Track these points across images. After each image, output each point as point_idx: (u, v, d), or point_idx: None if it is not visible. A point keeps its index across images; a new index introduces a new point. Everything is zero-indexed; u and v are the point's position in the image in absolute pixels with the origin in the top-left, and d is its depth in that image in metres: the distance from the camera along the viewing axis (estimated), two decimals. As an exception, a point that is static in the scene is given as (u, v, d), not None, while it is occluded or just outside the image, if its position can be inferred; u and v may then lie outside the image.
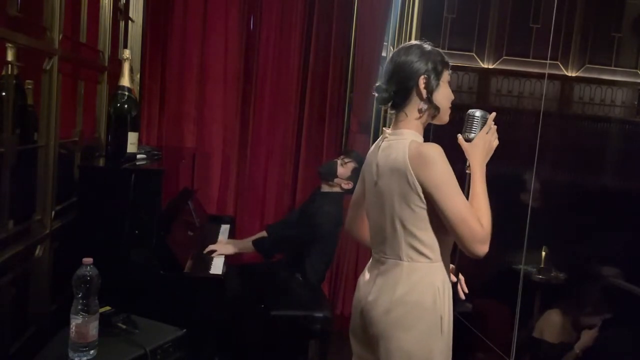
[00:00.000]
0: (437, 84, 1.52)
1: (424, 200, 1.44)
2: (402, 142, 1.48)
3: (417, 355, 1.46)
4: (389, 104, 1.58)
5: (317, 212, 2.72)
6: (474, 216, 1.39)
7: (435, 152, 1.41)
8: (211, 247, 2.63)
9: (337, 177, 2.80)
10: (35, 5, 1.85)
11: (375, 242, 1.61)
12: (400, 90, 1.53)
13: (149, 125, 3.45)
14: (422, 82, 1.50)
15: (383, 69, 3.61)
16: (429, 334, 1.47)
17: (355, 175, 2.76)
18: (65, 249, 2.09)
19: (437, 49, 1.57)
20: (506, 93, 2.88)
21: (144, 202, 2.10)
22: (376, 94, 1.58)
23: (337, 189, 2.80)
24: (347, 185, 2.79)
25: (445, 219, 1.41)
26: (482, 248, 1.39)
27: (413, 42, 1.59)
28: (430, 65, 1.51)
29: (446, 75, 1.55)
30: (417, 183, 1.42)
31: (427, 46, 1.55)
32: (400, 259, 1.50)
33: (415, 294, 1.47)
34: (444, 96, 1.54)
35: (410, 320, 1.47)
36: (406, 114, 1.54)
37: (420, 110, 1.53)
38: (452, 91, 1.59)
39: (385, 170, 1.51)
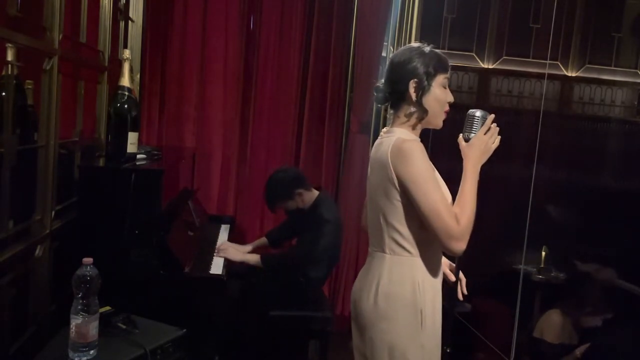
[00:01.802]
0: (429, 88, 1.53)
1: (401, 195, 1.47)
2: (390, 139, 1.51)
3: (397, 346, 1.49)
4: (387, 104, 1.62)
5: (315, 226, 2.67)
6: (450, 212, 1.41)
7: (413, 148, 1.44)
8: (223, 250, 2.59)
9: (303, 204, 2.74)
10: (35, 5, 1.85)
11: (370, 235, 1.65)
12: (394, 91, 1.57)
13: (149, 125, 3.45)
14: (412, 84, 1.52)
15: (384, 69, 3.63)
16: (408, 326, 1.50)
17: (295, 183, 2.73)
18: (65, 249, 2.09)
19: (437, 51, 1.57)
20: (506, 93, 2.88)
21: (144, 202, 2.10)
22: (375, 93, 1.62)
23: (315, 192, 2.78)
24: (309, 191, 2.75)
25: (421, 213, 1.43)
26: (457, 245, 1.41)
27: (414, 44, 1.60)
28: (422, 69, 1.52)
29: (440, 78, 1.55)
30: (395, 177, 1.46)
31: (427, 48, 1.56)
32: (384, 252, 1.54)
33: (395, 286, 1.51)
34: (435, 100, 1.54)
35: (391, 312, 1.51)
36: (398, 115, 1.58)
37: (408, 114, 1.56)
38: (452, 91, 1.59)
39: (373, 166, 1.57)
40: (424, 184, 1.42)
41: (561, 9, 2.34)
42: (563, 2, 2.34)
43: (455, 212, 1.42)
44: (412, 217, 1.48)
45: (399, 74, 1.54)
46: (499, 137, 1.54)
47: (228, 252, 2.60)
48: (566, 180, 2.36)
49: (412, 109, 1.55)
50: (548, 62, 2.40)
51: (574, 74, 2.41)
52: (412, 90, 1.52)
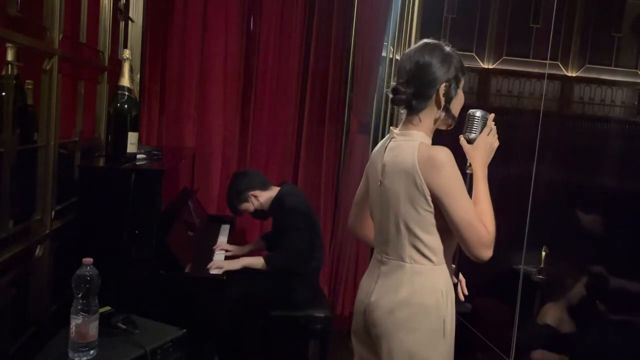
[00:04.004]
0: (456, 92, 1.50)
1: (431, 204, 1.42)
2: (411, 144, 1.46)
3: (418, 356, 1.46)
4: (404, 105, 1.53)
5: (284, 223, 2.69)
6: (480, 221, 1.39)
7: (445, 157, 1.40)
8: (219, 268, 2.44)
9: (260, 205, 2.79)
10: (35, 5, 1.85)
11: (377, 242, 1.60)
12: (419, 94, 1.49)
13: (149, 125, 3.45)
14: (442, 89, 1.47)
15: (390, 68, 3.64)
16: (431, 336, 1.47)
17: (252, 183, 2.80)
18: (65, 249, 2.09)
19: (456, 52, 1.53)
20: (506, 93, 2.88)
21: (144, 202, 2.09)
22: (391, 95, 1.53)
23: (274, 190, 2.81)
24: (266, 190, 2.79)
25: (452, 223, 1.40)
26: (487, 252, 1.39)
27: (433, 41, 1.52)
28: (452, 73, 1.48)
29: (462, 81, 1.53)
30: (426, 186, 1.41)
31: (447, 48, 1.50)
32: (403, 260, 1.49)
33: (418, 296, 1.47)
34: (459, 104, 1.53)
35: (413, 322, 1.47)
36: (420, 118, 1.51)
37: (437, 119, 1.50)
38: None
39: (391, 171, 1.50)
40: (456, 194, 1.39)
41: (561, 9, 2.34)
42: (563, 2, 2.34)
43: (482, 219, 1.40)
44: (439, 225, 1.44)
45: (428, 77, 1.47)
46: (497, 135, 1.53)
47: (226, 266, 2.47)
48: (566, 180, 2.36)
49: (441, 114, 1.49)
50: (548, 62, 2.40)
51: (574, 74, 2.41)
52: (441, 94, 1.47)
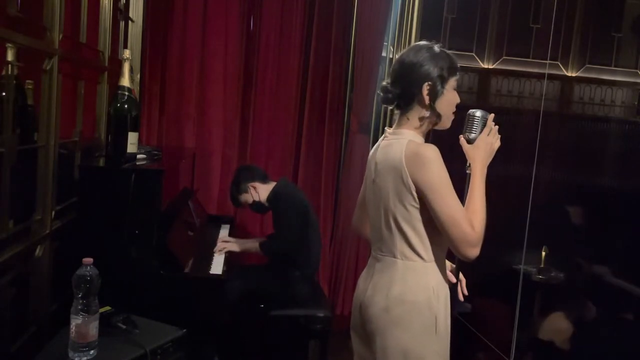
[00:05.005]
0: (442, 92, 1.49)
1: (417, 200, 1.44)
2: (401, 142, 1.48)
3: (412, 353, 1.47)
4: (394, 105, 1.57)
5: (278, 216, 2.82)
6: (466, 219, 1.39)
7: (431, 153, 1.41)
8: (223, 248, 2.72)
9: (259, 197, 2.88)
10: (35, 5, 1.85)
11: (373, 239, 1.62)
12: (404, 94, 1.52)
13: (149, 125, 3.45)
14: (425, 89, 1.48)
15: (390, 68, 3.63)
16: (423, 333, 1.48)
17: (251, 175, 2.90)
18: (65, 249, 2.09)
19: (447, 52, 1.53)
20: (506, 93, 2.88)
21: (144, 202, 2.10)
22: (381, 94, 1.57)
23: (272, 184, 2.89)
24: (265, 184, 2.88)
25: (437, 220, 1.41)
26: (472, 251, 1.39)
27: (423, 42, 1.54)
28: (436, 72, 1.48)
29: (452, 82, 1.52)
30: (411, 182, 1.43)
31: (437, 49, 1.51)
32: (395, 257, 1.51)
33: (410, 293, 1.48)
34: (447, 103, 1.52)
35: (406, 319, 1.48)
36: (408, 118, 1.54)
37: (421, 118, 1.52)
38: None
39: (382, 169, 1.52)
40: (441, 190, 1.40)
41: (561, 9, 2.34)
42: (563, 2, 2.34)
43: (470, 217, 1.40)
44: (426, 222, 1.46)
45: (412, 76, 1.49)
46: (499, 135, 1.53)
47: (229, 246, 2.74)
48: (566, 180, 2.36)
49: (425, 113, 1.51)
50: (548, 62, 2.40)
51: (574, 74, 2.40)
52: (425, 94, 1.49)
